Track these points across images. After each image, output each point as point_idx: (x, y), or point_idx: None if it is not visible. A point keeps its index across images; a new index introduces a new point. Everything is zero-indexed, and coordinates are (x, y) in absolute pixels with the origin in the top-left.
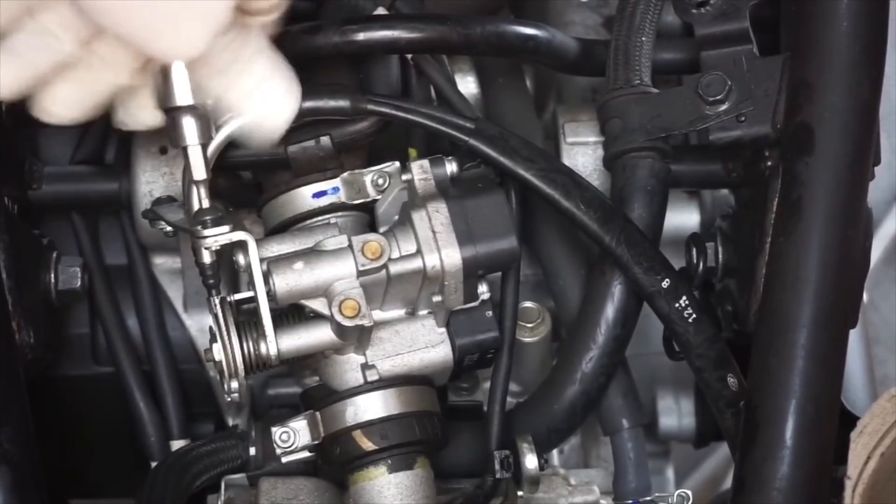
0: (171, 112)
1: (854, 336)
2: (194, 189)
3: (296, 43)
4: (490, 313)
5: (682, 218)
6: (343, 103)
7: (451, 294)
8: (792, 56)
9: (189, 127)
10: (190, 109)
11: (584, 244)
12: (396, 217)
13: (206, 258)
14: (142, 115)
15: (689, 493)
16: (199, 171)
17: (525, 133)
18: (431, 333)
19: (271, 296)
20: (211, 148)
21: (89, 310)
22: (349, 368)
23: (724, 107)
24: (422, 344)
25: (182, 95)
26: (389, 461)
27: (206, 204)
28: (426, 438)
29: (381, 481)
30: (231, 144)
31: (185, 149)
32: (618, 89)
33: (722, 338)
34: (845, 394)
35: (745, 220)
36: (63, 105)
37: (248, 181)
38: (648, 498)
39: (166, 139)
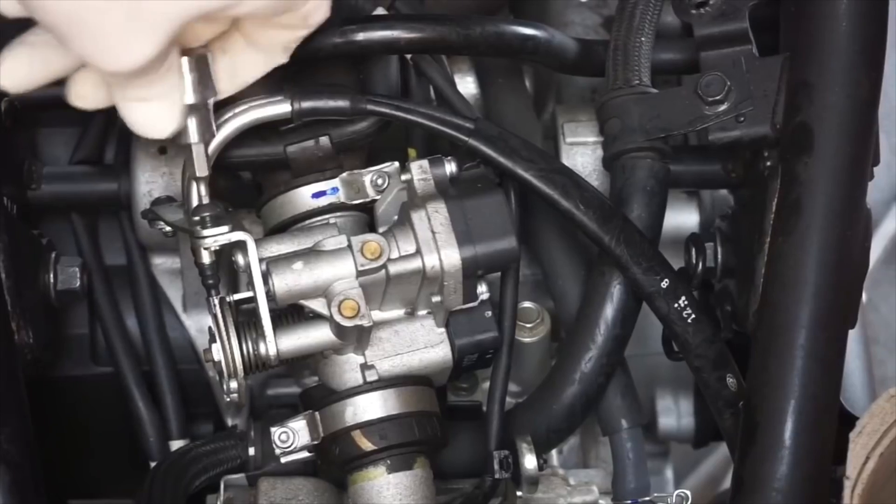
0: None
1: (853, 336)
2: (194, 185)
3: None
4: (489, 313)
5: (682, 218)
6: (342, 103)
7: (451, 294)
8: (791, 56)
9: (192, 125)
10: (192, 108)
11: (583, 244)
12: (396, 217)
13: (206, 258)
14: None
15: (689, 493)
16: (201, 168)
17: (525, 133)
18: (431, 333)
19: (270, 296)
20: (212, 146)
21: (88, 310)
22: (348, 368)
23: (723, 107)
24: (421, 344)
25: (186, 93)
26: (388, 461)
27: (205, 201)
28: (425, 439)
29: (381, 481)
30: (230, 144)
31: (187, 146)
32: (617, 89)
33: (721, 338)
34: (844, 394)
35: (745, 220)
36: (90, 91)
37: (248, 181)
38: (647, 498)
39: (166, 139)
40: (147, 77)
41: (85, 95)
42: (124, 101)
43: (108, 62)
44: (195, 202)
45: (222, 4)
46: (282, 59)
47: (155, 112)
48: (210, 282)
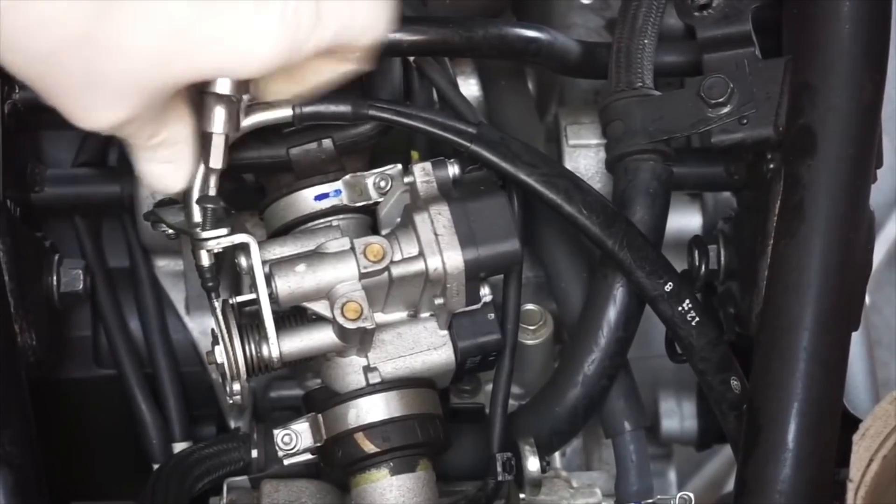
0: (205, 96)
1: (856, 338)
2: (202, 175)
3: None
4: (492, 316)
5: (684, 220)
6: (344, 108)
7: (454, 296)
8: (794, 59)
9: (219, 115)
10: (225, 98)
11: (586, 246)
12: (398, 219)
13: (205, 261)
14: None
15: (692, 495)
16: (217, 160)
17: (527, 136)
18: (433, 336)
19: (273, 298)
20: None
21: (91, 312)
22: (351, 371)
23: (726, 109)
24: (424, 346)
25: (221, 83)
26: (391, 463)
27: (213, 193)
28: (428, 441)
29: (383, 483)
30: (233, 147)
31: (209, 135)
32: (620, 92)
33: (724, 340)
34: (847, 396)
35: (747, 222)
36: None
37: (251, 184)
38: (650, 500)
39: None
40: (154, 135)
41: None
42: (136, 153)
43: (77, 120)
44: (203, 191)
45: (200, 76)
46: (356, 66)
47: (163, 170)
48: (210, 284)
